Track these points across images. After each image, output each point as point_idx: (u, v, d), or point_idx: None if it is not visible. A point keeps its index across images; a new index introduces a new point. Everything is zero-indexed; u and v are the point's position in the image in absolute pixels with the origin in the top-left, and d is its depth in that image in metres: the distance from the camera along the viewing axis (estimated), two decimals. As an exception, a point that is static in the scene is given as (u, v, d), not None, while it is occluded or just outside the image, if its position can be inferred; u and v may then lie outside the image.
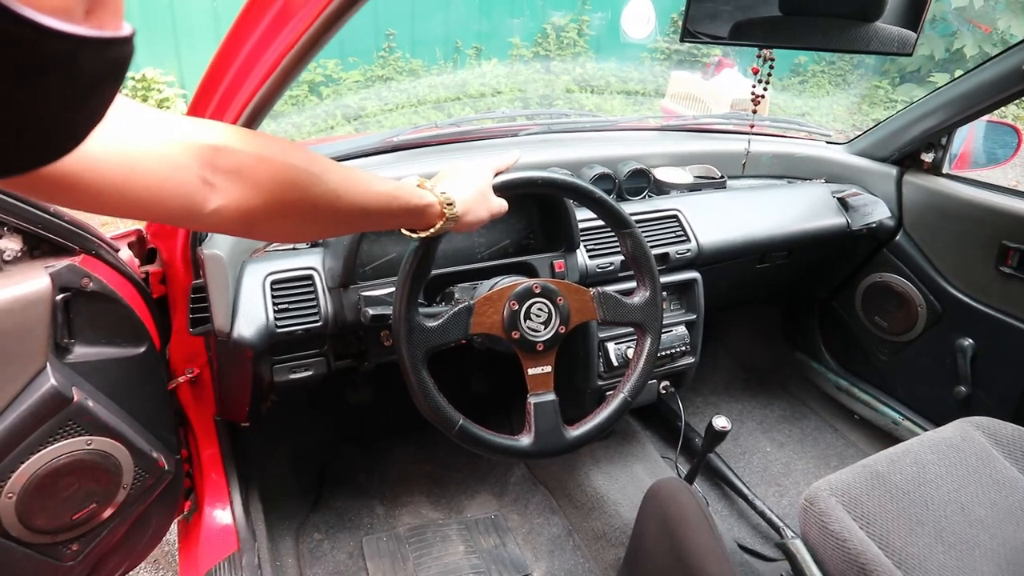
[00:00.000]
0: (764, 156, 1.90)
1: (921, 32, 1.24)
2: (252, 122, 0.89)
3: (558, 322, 1.11)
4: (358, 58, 6.16)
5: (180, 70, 5.54)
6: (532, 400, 1.11)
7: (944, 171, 1.80)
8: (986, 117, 1.72)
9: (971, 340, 1.76)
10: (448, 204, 0.89)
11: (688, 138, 1.93)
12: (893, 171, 1.87)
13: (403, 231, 0.93)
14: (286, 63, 0.76)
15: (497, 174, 1.04)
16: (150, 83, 5.35)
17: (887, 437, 2.00)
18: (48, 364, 1.02)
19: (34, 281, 1.00)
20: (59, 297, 1.02)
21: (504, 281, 1.15)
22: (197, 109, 0.97)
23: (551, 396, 1.12)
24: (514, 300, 1.07)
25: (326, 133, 4.88)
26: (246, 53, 0.82)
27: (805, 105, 7.26)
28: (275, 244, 1.33)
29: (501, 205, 1.02)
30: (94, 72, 0.30)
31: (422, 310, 1.06)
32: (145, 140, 0.56)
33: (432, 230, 0.91)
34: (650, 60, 7.24)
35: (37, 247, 1.05)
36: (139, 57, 5.42)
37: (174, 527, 1.46)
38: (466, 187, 0.95)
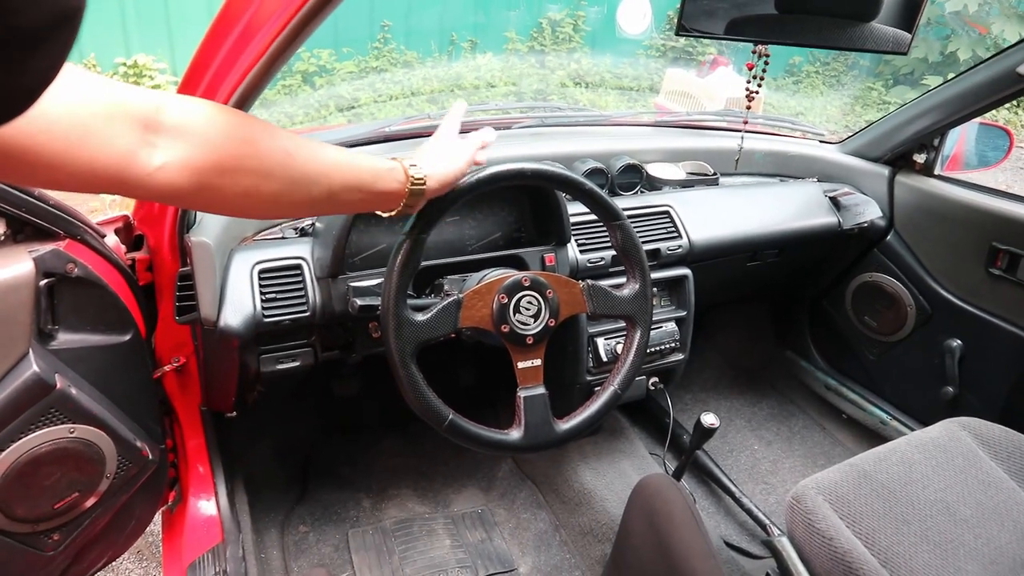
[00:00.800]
0: (757, 154, 1.90)
1: (916, 33, 1.24)
2: (242, 105, 0.87)
3: (548, 315, 1.10)
4: (352, 49, 6.13)
5: (172, 57, 5.50)
6: (522, 394, 1.10)
7: (936, 172, 1.80)
8: (978, 119, 1.72)
9: (959, 341, 1.76)
10: (412, 165, 0.86)
11: (682, 134, 1.92)
12: (885, 171, 1.87)
13: (379, 214, 0.90)
14: (279, 43, 0.74)
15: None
16: (142, 69, 5.30)
17: (874, 436, 2.01)
18: (31, 350, 1.00)
19: (17, 266, 0.98)
20: (43, 282, 1.00)
21: (493, 274, 1.14)
22: (186, 90, 0.95)
23: (541, 390, 1.11)
24: (503, 293, 1.07)
25: (319, 123, 4.86)
26: (237, 33, 0.81)
27: (799, 105, 7.27)
28: (263, 232, 1.32)
29: (469, 149, 0.97)
30: (37, 19, 0.27)
31: (410, 302, 1.05)
32: (88, 99, 0.55)
33: (403, 203, 0.87)
34: (645, 56, 7.23)
35: (21, 231, 1.04)
36: (131, 43, 5.39)
37: (158, 517, 1.44)
38: (429, 149, 0.93)
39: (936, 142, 1.77)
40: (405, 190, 0.86)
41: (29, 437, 1.02)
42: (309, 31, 0.72)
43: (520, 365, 1.09)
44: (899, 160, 1.86)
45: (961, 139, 1.87)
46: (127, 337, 1.16)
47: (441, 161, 0.92)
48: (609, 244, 1.48)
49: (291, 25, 0.71)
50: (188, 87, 0.93)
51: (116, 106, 0.57)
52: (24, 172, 0.52)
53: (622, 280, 1.21)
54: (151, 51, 5.37)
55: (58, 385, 1.02)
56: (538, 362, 1.11)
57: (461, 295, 1.05)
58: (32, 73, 0.29)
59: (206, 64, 0.88)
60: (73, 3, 0.28)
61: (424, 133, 1.62)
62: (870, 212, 1.84)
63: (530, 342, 1.08)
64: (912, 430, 1.86)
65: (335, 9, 0.68)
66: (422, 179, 0.87)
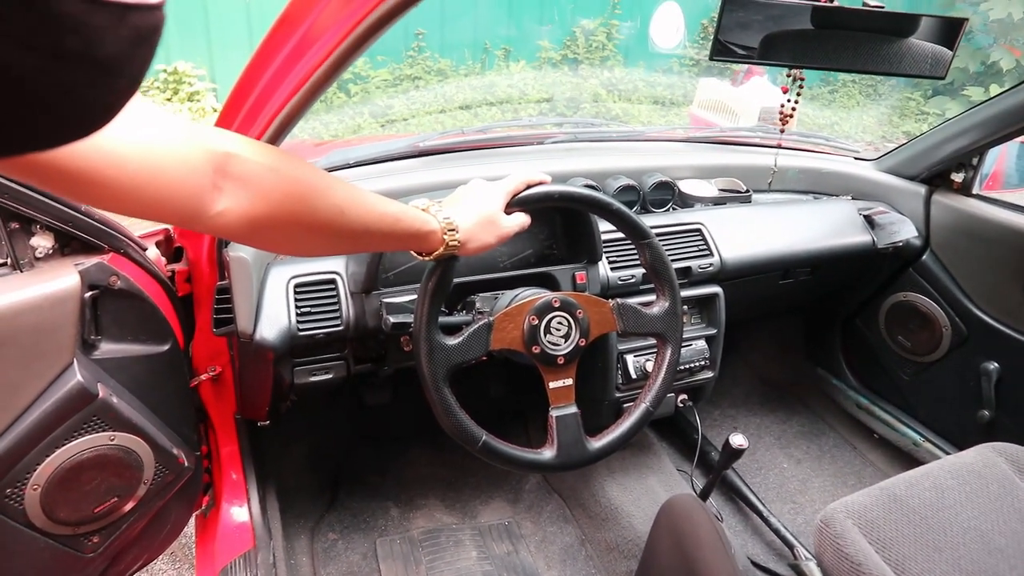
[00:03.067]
0: (791, 171, 1.88)
1: (956, 51, 1.23)
2: (277, 137, 0.90)
3: (578, 335, 1.11)
4: (387, 56, 6.19)
5: (211, 64, 5.61)
6: (554, 413, 1.11)
7: (974, 192, 1.77)
8: (1020, 138, 1.69)
9: (996, 364, 1.73)
10: (450, 230, 0.91)
11: (715, 150, 1.92)
12: (922, 190, 1.84)
13: (412, 252, 0.95)
14: (313, 81, 0.77)
15: (513, 198, 1.04)
16: (181, 76, 5.42)
17: (906, 458, 1.98)
18: (75, 360, 1.04)
19: (64, 279, 1.02)
20: (87, 294, 1.04)
21: (524, 295, 1.15)
22: (224, 122, 0.98)
23: (573, 409, 1.12)
24: (534, 315, 1.08)
25: (354, 132, 4.91)
26: (274, 69, 0.83)
27: (835, 115, 7.18)
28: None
29: (510, 229, 1.01)
30: (116, 41, 0.27)
31: (442, 320, 1.07)
32: (165, 141, 0.58)
33: (435, 254, 0.93)
34: (679, 65, 7.20)
35: (68, 245, 1.07)
36: (171, 50, 5.51)
37: (192, 521, 1.48)
38: (472, 213, 0.96)
39: (975, 161, 1.74)
40: (439, 249, 0.92)
41: (72, 444, 1.06)
42: (343, 68, 0.74)
43: (552, 385, 1.10)
44: (936, 179, 1.83)
45: (1001, 157, 1.84)
46: (166, 347, 1.19)
47: (480, 231, 0.97)
48: (640, 261, 1.48)
49: (327, 62, 0.73)
50: (226, 118, 0.97)
51: (191, 150, 0.60)
52: (91, 198, 0.55)
53: (653, 298, 1.22)
54: (190, 58, 5.48)
55: (100, 394, 1.05)
56: (569, 382, 1.11)
57: (492, 318, 1.07)
58: (113, 92, 0.30)
59: (245, 96, 0.91)
60: (151, 22, 0.29)
61: (458, 148, 1.64)
62: (905, 231, 1.81)
63: (561, 362, 1.09)
64: (946, 453, 1.84)
65: (375, 43, 0.69)
66: (456, 245, 0.92)
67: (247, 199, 0.66)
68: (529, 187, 1.05)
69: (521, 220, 1.04)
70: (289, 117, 0.84)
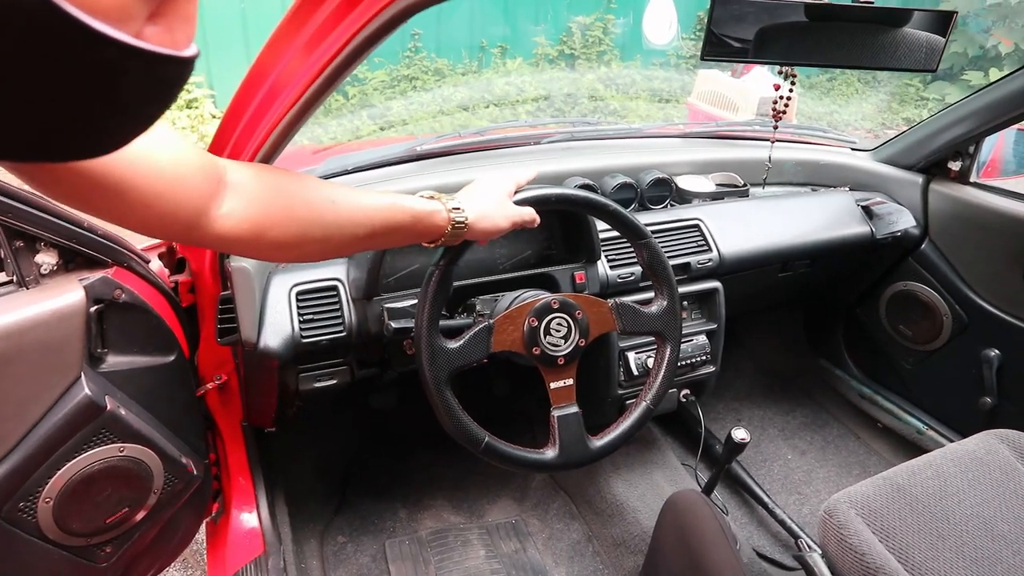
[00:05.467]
0: (787, 163, 1.89)
1: (948, 40, 1.24)
2: (270, 157, 0.93)
3: (578, 336, 1.12)
4: (384, 58, 6.19)
5: (209, 71, 5.62)
6: (555, 413, 1.12)
7: (972, 180, 1.78)
8: (1016, 125, 1.69)
9: (997, 351, 1.74)
10: (455, 209, 0.90)
11: (711, 145, 1.92)
12: (919, 179, 1.85)
13: (423, 244, 0.93)
14: (306, 98, 0.78)
15: (517, 190, 1.05)
16: (180, 83, 5.42)
17: (911, 446, 1.99)
18: (83, 374, 1.05)
19: (69, 294, 1.03)
20: (93, 309, 1.05)
21: (523, 297, 1.17)
22: (216, 148, 1.01)
23: (574, 408, 1.13)
24: (533, 316, 1.09)
25: (353, 135, 4.92)
26: (261, 96, 0.86)
27: (833, 103, 7.16)
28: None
29: (522, 214, 1.01)
30: (140, 87, 0.28)
31: (443, 323, 1.08)
32: (183, 152, 0.64)
33: (443, 238, 0.91)
34: (676, 59, 7.19)
35: (72, 260, 1.08)
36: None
37: (203, 528, 1.49)
38: (480, 195, 0.95)
39: (971, 149, 1.74)
40: (446, 229, 0.90)
41: (82, 456, 1.07)
42: (328, 93, 0.78)
43: (552, 385, 1.11)
44: (933, 168, 1.83)
45: (998, 145, 1.84)
46: (171, 358, 1.21)
47: (489, 213, 0.95)
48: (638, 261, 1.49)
49: (311, 88, 0.76)
50: (218, 145, 1.00)
51: (203, 162, 0.67)
52: (121, 209, 0.60)
53: (653, 295, 1.23)
54: (189, 65, 5.49)
55: (108, 407, 1.07)
56: (570, 382, 1.13)
57: (492, 320, 1.08)
58: (124, 131, 0.31)
59: (234, 125, 0.94)
60: (179, 72, 0.29)
61: (455, 151, 1.65)
62: (903, 221, 1.82)
63: (561, 362, 1.11)
64: (950, 440, 1.84)
65: (352, 72, 0.72)
66: (463, 224, 0.91)
67: (244, 202, 0.70)
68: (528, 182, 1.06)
69: (527, 211, 1.02)
70: (281, 136, 0.87)
